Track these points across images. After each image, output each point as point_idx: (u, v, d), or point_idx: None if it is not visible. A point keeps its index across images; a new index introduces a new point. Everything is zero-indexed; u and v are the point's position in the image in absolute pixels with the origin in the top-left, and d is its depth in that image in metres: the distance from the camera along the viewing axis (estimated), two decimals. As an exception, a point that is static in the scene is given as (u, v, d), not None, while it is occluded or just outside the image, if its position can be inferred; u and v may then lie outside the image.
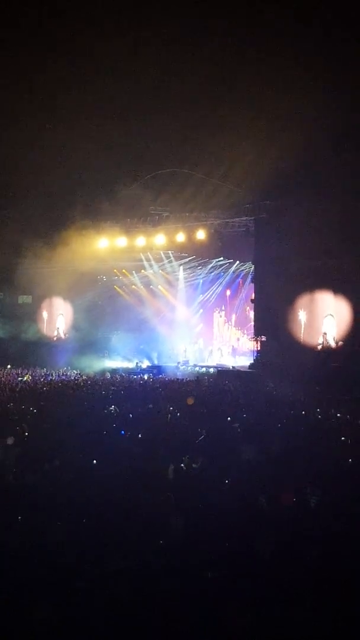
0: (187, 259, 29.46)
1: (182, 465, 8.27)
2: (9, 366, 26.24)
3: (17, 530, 5.53)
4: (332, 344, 21.42)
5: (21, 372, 24.39)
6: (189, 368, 26.53)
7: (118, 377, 23.92)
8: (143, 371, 26.68)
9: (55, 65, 16.80)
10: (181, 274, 30.46)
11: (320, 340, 21.68)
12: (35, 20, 15.52)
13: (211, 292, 30.96)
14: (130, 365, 28.14)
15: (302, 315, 22.14)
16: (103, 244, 26.37)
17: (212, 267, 29.75)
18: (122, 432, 9.48)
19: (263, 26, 15.63)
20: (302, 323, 22.14)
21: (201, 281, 30.79)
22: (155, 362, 28.39)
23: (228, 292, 30.76)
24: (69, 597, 4.38)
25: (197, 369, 26.25)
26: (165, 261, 29.81)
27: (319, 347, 21.60)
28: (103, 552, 5.05)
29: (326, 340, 21.58)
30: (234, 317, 31.06)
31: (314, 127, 16.21)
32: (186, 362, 27.73)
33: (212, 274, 30.26)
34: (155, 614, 4.23)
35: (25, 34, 15.90)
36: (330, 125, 16.50)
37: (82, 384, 20.23)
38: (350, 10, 15.12)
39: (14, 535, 5.41)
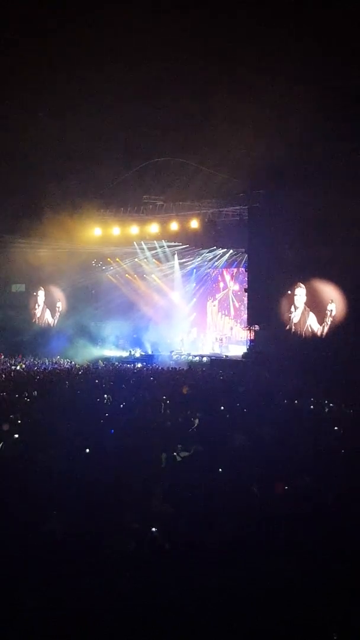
0: (180, 247, 29.38)
1: (175, 453, 8.33)
2: (2, 355, 26.24)
3: (12, 519, 5.56)
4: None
5: (14, 361, 24.44)
6: (183, 357, 26.59)
7: (111, 366, 23.96)
8: (136, 360, 26.74)
9: (45, 50, 16.50)
10: (176, 263, 30.39)
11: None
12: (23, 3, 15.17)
13: (204, 281, 30.93)
14: (124, 354, 28.18)
15: (295, 304, 22.19)
16: (97, 233, 26.27)
17: (205, 256, 29.69)
18: (112, 430, 9.56)
19: (259, 12, 15.47)
20: (296, 312, 22.19)
21: (195, 270, 30.74)
22: (149, 351, 28.44)
23: (221, 283, 30.74)
24: (65, 584, 4.43)
25: (190, 358, 26.32)
26: (159, 250, 29.74)
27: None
28: (97, 539, 5.09)
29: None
30: (227, 305, 31.03)
31: (308, 116, 16.12)
32: (179, 351, 27.78)
33: (206, 263, 30.21)
34: (151, 598, 4.29)
35: (10, 17, 15.57)
36: (324, 114, 16.42)
37: (75, 372, 20.27)
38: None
39: (9, 524, 5.45)
